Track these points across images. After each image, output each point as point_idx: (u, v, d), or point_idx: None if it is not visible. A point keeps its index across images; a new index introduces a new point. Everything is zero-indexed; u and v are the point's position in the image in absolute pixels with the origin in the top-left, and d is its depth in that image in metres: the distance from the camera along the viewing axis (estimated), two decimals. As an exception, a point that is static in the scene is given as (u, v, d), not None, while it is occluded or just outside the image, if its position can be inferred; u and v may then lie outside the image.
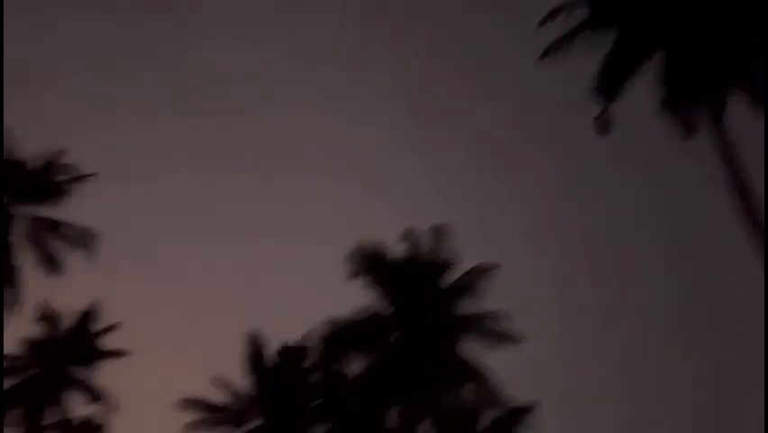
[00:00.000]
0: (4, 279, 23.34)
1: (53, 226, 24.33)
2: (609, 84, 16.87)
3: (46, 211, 24.63)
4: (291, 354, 25.98)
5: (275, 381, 25.75)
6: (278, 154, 66.77)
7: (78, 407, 26.76)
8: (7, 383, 25.83)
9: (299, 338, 26.03)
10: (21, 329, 26.64)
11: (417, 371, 23.46)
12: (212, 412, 25.54)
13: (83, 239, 24.47)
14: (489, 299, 24.71)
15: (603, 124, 16.99)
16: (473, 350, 24.12)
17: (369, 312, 24.17)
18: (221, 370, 26.26)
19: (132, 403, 34.03)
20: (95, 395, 26.80)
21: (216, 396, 25.98)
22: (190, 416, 25.59)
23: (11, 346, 26.56)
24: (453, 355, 23.80)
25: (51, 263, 24.15)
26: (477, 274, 24.68)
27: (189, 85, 63.24)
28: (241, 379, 26.27)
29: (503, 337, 23.90)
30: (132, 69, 63.63)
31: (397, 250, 24.97)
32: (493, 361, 24.21)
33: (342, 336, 23.76)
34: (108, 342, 27.87)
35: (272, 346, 26.55)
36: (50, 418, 25.87)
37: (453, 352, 23.89)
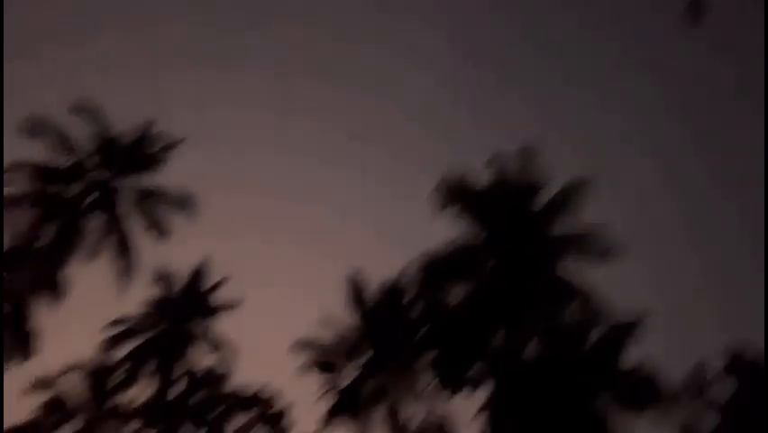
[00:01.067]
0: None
1: (154, 194, 25.62)
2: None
3: (146, 181, 25.95)
4: (391, 289, 26.54)
5: (379, 316, 26.50)
6: (368, 88, 66.62)
7: (202, 358, 28.72)
8: (137, 342, 28.06)
9: (397, 274, 26.51)
10: (141, 293, 28.68)
11: (519, 294, 23.23)
12: (324, 351, 26.71)
13: (183, 202, 25.63)
14: (587, 215, 23.91)
15: (694, 14, 15.80)
16: (575, 268, 23.56)
17: (462, 242, 24.02)
18: (328, 310, 27.31)
19: (251, 350, 36.13)
20: (215, 346, 28.63)
21: (326, 336, 27.11)
22: (305, 356, 26.90)
23: (134, 309, 28.74)
24: (554, 276, 23.36)
25: (159, 229, 25.53)
26: (571, 191, 23.85)
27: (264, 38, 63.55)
28: (347, 317, 27.22)
29: (604, 253, 23.17)
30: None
31: (485, 177, 24.51)
32: (597, 277, 23.61)
33: (440, 268, 23.78)
34: (220, 295, 29.52)
35: (373, 284, 27.26)
36: (178, 370, 27.96)
37: (553, 272, 23.43)
